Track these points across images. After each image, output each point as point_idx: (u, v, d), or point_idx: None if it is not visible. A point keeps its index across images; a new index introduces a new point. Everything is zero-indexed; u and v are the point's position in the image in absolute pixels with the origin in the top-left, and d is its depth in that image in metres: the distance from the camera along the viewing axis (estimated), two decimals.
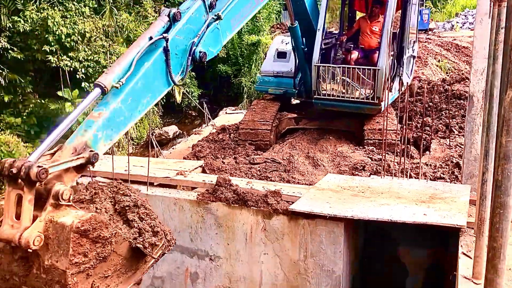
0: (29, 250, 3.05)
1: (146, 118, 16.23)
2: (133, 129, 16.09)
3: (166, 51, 4.06)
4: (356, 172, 8.49)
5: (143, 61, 3.90)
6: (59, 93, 13.33)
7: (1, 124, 12.77)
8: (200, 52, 4.42)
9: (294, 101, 12.58)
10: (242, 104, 21.14)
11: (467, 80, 12.86)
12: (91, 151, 3.45)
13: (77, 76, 13.95)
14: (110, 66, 3.81)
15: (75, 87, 13.86)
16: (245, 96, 22.03)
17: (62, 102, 13.49)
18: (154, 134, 16.19)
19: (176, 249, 6.67)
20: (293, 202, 6.07)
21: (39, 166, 3.02)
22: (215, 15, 4.66)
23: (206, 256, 6.57)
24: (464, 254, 4.71)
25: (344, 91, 9.76)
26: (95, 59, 14.45)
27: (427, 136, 9.97)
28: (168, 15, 4.16)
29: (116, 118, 3.75)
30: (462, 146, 8.23)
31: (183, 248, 6.65)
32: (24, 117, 13.36)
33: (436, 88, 12.67)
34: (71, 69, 13.72)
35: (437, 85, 13.35)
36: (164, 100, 17.90)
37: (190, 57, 4.38)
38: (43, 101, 13.93)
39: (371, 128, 9.94)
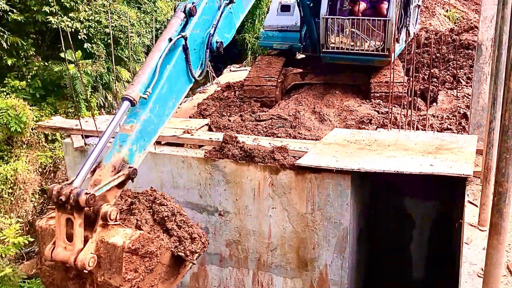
0: (84, 270, 3.25)
1: None
2: None
3: (185, 49, 4.08)
4: (363, 126, 8.48)
5: (164, 63, 3.93)
6: (62, 55, 13.21)
7: (6, 87, 12.75)
8: (216, 42, 4.44)
9: (299, 56, 12.40)
10: (246, 61, 20.87)
11: (475, 29, 12.55)
12: (129, 167, 3.62)
13: (79, 37, 13.78)
14: (135, 76, 3.96)
15: (78, 49, 13.72)
16: (249, 53, 21.71)
17: (66, 64, 13.40)
18: None
19: (186, 206, 6.79)
20: (299, 157, 6.11)
21: (86, 193, 3.20)
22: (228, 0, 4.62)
23: (216, 211, 6.69)
24: (470, 202, 4.75)
25: (353, 43, 9.59)
26: (96, 19, 14.21)
27: (434, 87, 9.85)
28: (184, 11, 4.13)
29: (147, 128, 3.87)
30: (469, 97, 8.15)
31: (193, 204, 6.77)
32: (28, 80, 13.31)
33: (443, 39, 12.40)
34: (73, 30, 13.54)
35: (444, 35, 13.06)
36: None
37: (208, 49, 4.40)
38: (46, 64, 13.84)
39: (377, 81, 9.82)
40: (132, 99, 3.62)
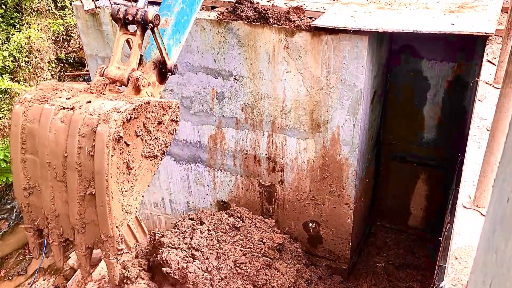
0: (137, 85, 3.38)
1: None
2: None
3: None
4: None
5: None
6: None
7: None
8: None
9: None
10: None
11: None
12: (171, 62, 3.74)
13: None
14: None
15: None
16: None
17: None
18: None
19: (201, 70, 6.83)
20: (316, 18, 5.92)
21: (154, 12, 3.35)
22: None
23: (230, 76, 6.73)
24: (488, 61, 4.67)
25: None
26: None
27: None
28: None
29: (181, 19, 3.90)
30: None
31: (208, 69, 6.79)
32: None
33: None
34: None
35: None
36: None
37: None
38: None
39: None
40: None
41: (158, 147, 3.48)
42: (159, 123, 3.43)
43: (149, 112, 3.29)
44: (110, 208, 3.11)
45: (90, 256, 3.51)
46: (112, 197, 3.11)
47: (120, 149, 3.12)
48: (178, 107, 3.53)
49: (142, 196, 3.51)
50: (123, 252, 3.34)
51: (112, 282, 3.44)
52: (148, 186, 3.65)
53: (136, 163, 3.33)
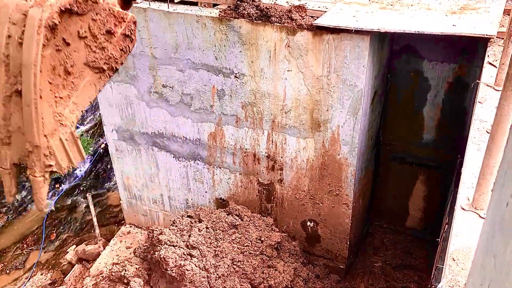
0: None
1: None
2: None
3: None
4: None
5: None
6: None
7: None
8: None
9: None
10: None
11: None
12: None
13: None
14: None
15: None
16: None
17: None
18: None
19: (202, 67, 6.82)
20: (318, 17, 5.91)
21: None
22: None
23: (231, 74, 6.72)
24: (489, 63, 4.66)
25: None
26: None
27: None
28: None
29: None
30: None
31: (209, 66, 6.78)
32: None
33: None
34: None
35: None
36: None
37: None
38: None
39: None
40: None
41: (106, 59, 3.18)
42: (109, 33, 3.14)
43: (96, 14, 2.99)
44: (37, 109, 2.72)
45: (16, 175, 3.08)
46: (41, 97, 2.74)
47: (57, 45, 2.81)
48: (135, 22, 3.18)
49: (82, 112, 3.14)
50: (53, 171, 2.92)
51: (37, 206, 3.01)
52: (91, 103, 3.28)
53: (77, 70, 3.02)
